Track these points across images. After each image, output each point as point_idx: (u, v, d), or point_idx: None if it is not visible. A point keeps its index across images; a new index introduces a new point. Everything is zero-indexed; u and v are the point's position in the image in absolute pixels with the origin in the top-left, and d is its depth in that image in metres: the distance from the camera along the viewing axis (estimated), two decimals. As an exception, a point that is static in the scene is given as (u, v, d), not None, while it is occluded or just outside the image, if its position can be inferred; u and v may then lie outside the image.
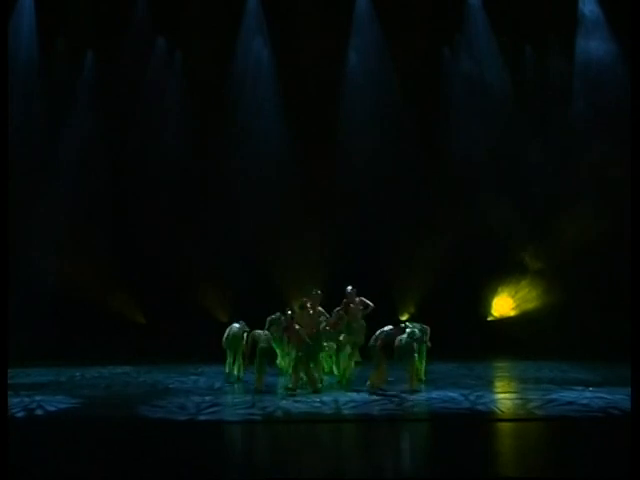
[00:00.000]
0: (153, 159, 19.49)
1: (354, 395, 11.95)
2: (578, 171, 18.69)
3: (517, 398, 11.82)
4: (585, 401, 11.18)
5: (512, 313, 19.45)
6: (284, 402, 11.48)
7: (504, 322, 19.33)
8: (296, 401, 11.57)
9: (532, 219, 19.26)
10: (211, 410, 11.02)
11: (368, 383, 12.41)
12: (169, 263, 19.13)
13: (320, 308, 14.17)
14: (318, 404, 11.28)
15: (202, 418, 10.48)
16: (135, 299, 19.33)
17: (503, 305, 19.56)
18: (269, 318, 14.28)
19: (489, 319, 19.61)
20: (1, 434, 8.03)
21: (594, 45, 19.14)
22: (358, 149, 19.56)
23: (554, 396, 11.63)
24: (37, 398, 12.02)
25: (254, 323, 14.21)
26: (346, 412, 10.69)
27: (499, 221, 19.02)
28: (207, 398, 11.96)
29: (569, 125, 18.87)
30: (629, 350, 9.01)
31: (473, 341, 17.30)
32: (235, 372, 14.18)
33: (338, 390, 12.57)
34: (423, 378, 13.44)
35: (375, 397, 11.75)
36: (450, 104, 19.61)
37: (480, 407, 10.93)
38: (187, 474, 7.77)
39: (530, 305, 19.26)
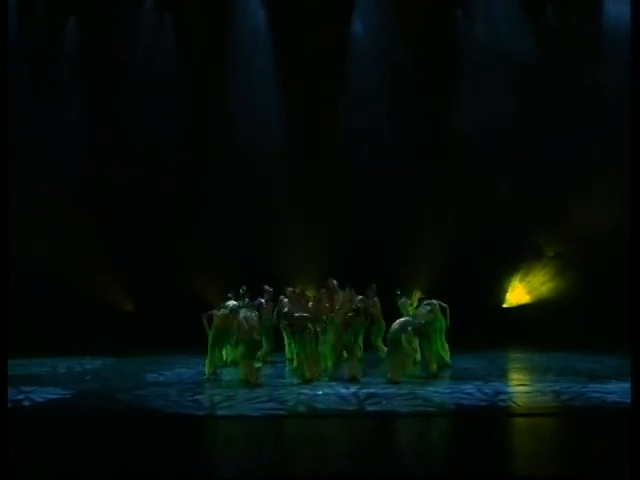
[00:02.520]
0: (142, 136, 19.28)
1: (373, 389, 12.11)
2: (603, 148, 18.39)
3: (547, 391, 11.88)
4: (616, 393, 11.38)
5: (528, 300, 19.55)
6: (302, 396, 11.67)
7: (520, 309, 19.48)
8: (314, 395, 11.78)
9: (550, 198, 19.19)
10: (227, 404, 11.21)
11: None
12: (160, 247, 19.02)
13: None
14: (338, 398, 11.50)
15: (221, 413, 10.73)
16: (124, 285, 19.34)
17: (519, 291, 19.66)
18: None
19: (504, 306, 19.75)
20: (1, 429, 8.16)
21: (624, 5, 18.51)
22: (364, 123, 19.51)
23: (584, 389, 11.84)
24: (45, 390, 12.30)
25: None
26: (370, 408, 10.87)
27: (514, 201, 18.95)
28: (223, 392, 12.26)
29: (595, 95, 18.52)
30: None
31: (487, 330, 17.28)
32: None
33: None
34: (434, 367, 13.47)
35: (399, 391, 11.92)
36: (463, 73, 19.48)
37: (508, 401, 11.18)
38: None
39: (548, 291, 19.39)
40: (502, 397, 11.46)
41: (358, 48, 19.84)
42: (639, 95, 10.25)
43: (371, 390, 12.01)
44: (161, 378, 13.75)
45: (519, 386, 12.80)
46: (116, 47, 19.17)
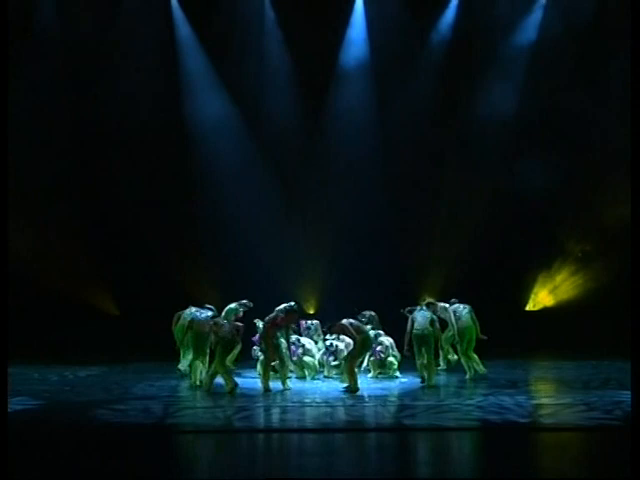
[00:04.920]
0: (130, 131, 18.75)
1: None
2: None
3: (591, 404, 11.21)
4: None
5: (553, 302, 19.26)
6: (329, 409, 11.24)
7: (545, 312, 19.19)
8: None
9: (576, 194, 18.83)
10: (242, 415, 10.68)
11: None
12: (147, 246, 18.62)
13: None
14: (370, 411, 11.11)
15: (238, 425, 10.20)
16: (108, 288, 19.09)
17: (543, 293, 19.32)
18: None
19: (527, 309, 19.43)
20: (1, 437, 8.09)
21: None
22: (370, 106, 19.24)
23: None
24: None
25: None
26: (407, 422, 10.33)
27: (538, 197, 18.58)
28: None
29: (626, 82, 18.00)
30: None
31: (510, 334, 16.70)
32: None
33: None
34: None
35: (429, 403, 11.49)
36: (481, 53, 18.98)
37: (551, 417, 10.47)
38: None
39: (574, 293, 19.12)
40: (544, 412, 10.83)
41: (370, 32, 19.29)
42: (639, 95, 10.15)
43: (401, 403, 11.58)
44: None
45: (558, 399, 12.07)
46: (95, 16, 18.48)
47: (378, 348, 13.74)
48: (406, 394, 12.35)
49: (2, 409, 8.91)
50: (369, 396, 12.12)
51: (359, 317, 13.57)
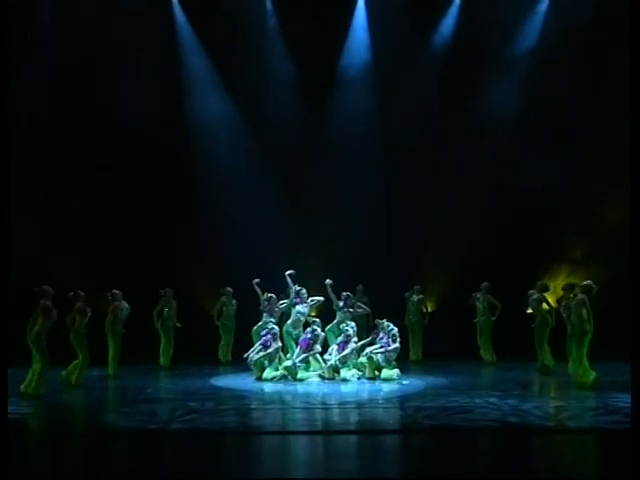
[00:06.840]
0: (130, 127, 18.36)
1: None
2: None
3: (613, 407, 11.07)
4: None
5: (554, 305, 18.97)
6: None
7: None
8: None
9: (579, 196, 18.70)
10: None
11: None
12: (147, 246, 18.33)
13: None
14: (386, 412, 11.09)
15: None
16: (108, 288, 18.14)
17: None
18: None
19: (528, 312, 19.02)
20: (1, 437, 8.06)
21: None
22: (372, 109, 19.22)
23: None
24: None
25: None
26: (424, 422, 10.18)
27: (540, 199, 18.53)
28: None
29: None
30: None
31: (509, 335, 16.64)
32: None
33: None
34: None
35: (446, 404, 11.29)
36: (483, 55, 18.92)
37: (574, 420, 10.32)
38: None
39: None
40: (565, 414, 10.59)
41: (371, 35, 19.25)
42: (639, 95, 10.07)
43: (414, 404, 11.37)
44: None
45: (573, 401, 11.87)
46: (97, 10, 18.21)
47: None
48: (416, 395, 12.26)
49: (2, 408, 8.90)
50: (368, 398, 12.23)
51: None
